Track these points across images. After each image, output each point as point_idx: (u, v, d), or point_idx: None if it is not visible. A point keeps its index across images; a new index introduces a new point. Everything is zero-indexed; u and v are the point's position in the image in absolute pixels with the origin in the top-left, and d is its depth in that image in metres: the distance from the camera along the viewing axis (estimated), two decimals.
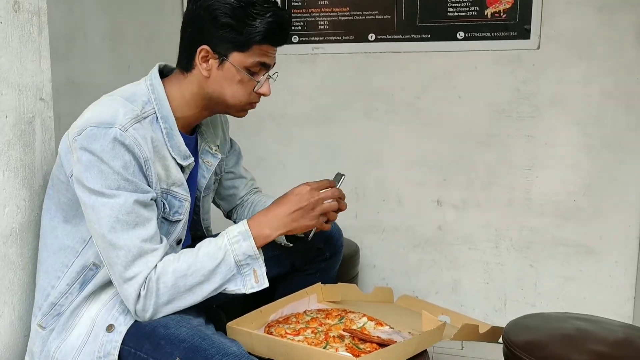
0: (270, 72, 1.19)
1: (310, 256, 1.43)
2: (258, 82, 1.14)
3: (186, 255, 1.08)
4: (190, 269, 1.06)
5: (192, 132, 1.24)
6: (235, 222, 1.44)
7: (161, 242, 1.09)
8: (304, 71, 2.16)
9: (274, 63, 1.17)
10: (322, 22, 2.14)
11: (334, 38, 2.13)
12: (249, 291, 1.09)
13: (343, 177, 1.25)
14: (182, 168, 1.17)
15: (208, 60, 1.12)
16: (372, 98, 2.12)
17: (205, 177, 1.29)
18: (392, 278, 2.17)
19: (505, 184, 2.03)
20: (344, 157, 2.15)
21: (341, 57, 2.13)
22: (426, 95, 2.07)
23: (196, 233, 1.40)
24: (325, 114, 2.17)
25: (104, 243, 1.04)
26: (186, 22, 1.15)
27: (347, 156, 2.14)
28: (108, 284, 1.12)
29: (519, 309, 2.03)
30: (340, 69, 2.14)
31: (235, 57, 1.11)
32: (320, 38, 2.15)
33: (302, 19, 2.16)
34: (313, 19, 2.15)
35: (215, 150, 1.30)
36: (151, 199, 1.08)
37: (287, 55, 2.15)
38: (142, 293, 1.04)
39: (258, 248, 1.11)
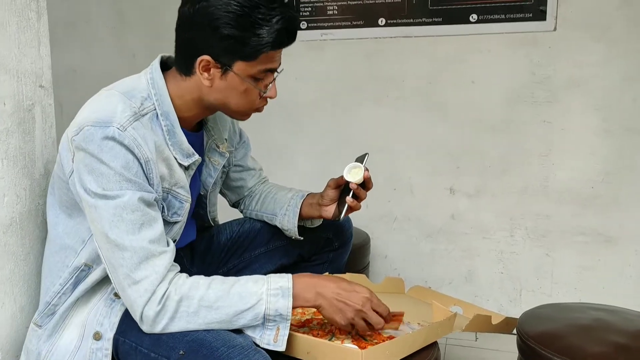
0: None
1: (318, 246, 1.41)
2: (265, 88, 1.08)
3: (217, 285, 1.00)
4: (217, 302, 0.98)
5: (197, 129, 1.19)
6: (242, 212, 1.44)
7: (168, 245, 1.03)
8: (312, 58, 2.11)
9: (280, 63, 1.09)
10: (331, 8, 2.09)
11: (343, 23, 2.08)
12: (262, 345, 0.99)
13: (367, 155, 1.23)
14: (185, 167, 1.11)
15: (210, 70, 1.04)
16: (382, 84, 2.07)
17: (212, 176, 1.25)
18: (404, 268, 2.13)
19: (520, 171, 1.97)
20: (354, 145, 2.10)
21: (351, 43, 2.08)
22: (438, 81, 2.01)
23: (203, 225, 1.38)
24: (335, 102, 2.12)
25: (107, 244, 0.98)
26: (183, 25, 1.05)
27: (357, 144, 2.09)
28: (101, 285, 1.08)
29: (535, 299, 1.97)
30: (349, 55, 2.09)
31: (240, 67, 1.03)
32: (329, 24, 2.10)
33: (311, 5, 2.11)
34: (322, 4, 2.10)
35: (223, 149, 1.25)
36: (154, 199, 1.02)
37: (295, 41, 2.09)
38: (157, 308, 0.96)
39: (293, 309, 1.01)
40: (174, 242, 1.14)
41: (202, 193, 1.27)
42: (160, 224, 1.01)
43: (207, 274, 1.31)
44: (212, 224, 1.39)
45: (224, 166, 1.32)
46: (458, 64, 1.98)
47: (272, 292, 1.00)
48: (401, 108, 2.06)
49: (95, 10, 1.81)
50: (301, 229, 1.33)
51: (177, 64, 1.09)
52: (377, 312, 1.04)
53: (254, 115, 2.22)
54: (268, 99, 1.11)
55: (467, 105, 1.99)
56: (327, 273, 1.39)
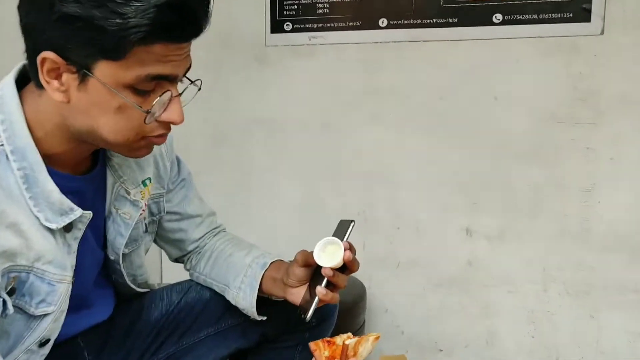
0: (180, 85, 0.76)
1: (288, 323, 1.07)
2: (152, 108, 0.72)
3: None
4: None
5: (90, 168, 0.85)
6: (187, 272, 1.12)
7: None
8: (299, 66, 1.86)
9: (188, 67, 0.75)
10: (321, 5, 1.81)
11: (336, 25, 1.81)
12: None
13: (352, 223, 0.90)
14: (62, 228, 0.77)
15: (60, 75, 0.70)
16: (383, 99, 1.82)
17: (122, 235, 0.91)
18: (409, 326, 1.84)
19: (556, 210, 1.70)
20: (349, 173, 1.86)
21: (345, 49, 1.82)
22: (452, 96, 1.76)
23: (127, 293, 1.03)
24: (326, 120, 1.88)
25: None
26: (20, 3, 0.71)
27: (353, 172, 1.86)
28: None
29: None
30: (343, 63, 1.84)
31: (105, 69, 0.68)
32: (319, 25, 1.83)
33: (297, 2, 1.82)
34: (310, 1, 1.81)
35: (139, 195, 0.91)
36: None
37: (278, 47, 1.86)
38: None
39: None
40: (45, 343, 0.79)
41: (112, 258, 0.93)
42: None
43: None
44: (146, 288, 1.06)
45: (152, 212, 0.99)
46: (477, 75, 1.73)
47: None
48: (406, 129, 1.81)
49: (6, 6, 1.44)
50: (263, 300, 1.01)
51: (29, 69, 0.73)
52: None
53: (228, 135, 2.00)
54: (170, 124, 0.77)
55: (488, 127, 1.74)
56: None
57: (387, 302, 1.86)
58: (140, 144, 0.76)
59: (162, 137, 0.78)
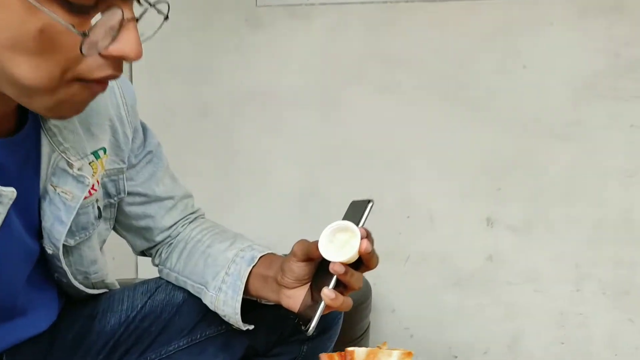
0: (138, 9, 0.56)
1: (282, 333, 0.94)
2: (91, 30, 0.52)
3: None
4: None
5: (15, 130, 0.68)
6: (157, 268, 0.96)
7: None
8: (295, 30, 1.77)
9: None
10: None
11: None
12: None
13: (370, 204, 0.74)
14: None
15: None
16: (392, 68, 1.73)
17: (62, 222, 0.73)
18: (420, 329, 1.77)
19: (592, 197, 1.63)
20: (352, 153, 1.76)
21: (348, 9, 1.73)
22: (473, 65, 1.68)
23: (77, 295, 0.86)
24: (326, 92, 1.79)
25: None
26: None
27: (357, 152, 1.76)
28: None
29: None
30: (347, 26, 1.75)
31: None
32: None
33: None
34: None
35: (88, 168, 0.74)
36: None
37: (271, 7, 1.75)
38: None
39: None
40: None
41: (50, 251, 0.75)
42: None
43: None
44: (103, 288, 0.89)
45: (109, 194, 0.83)
46: (503, 40, 1.65)
47: None
48: (419, 102, 1.72)
49: None
50: (250, 303, 0.86)
51: None
52: None
53: (215, 108, 1.97)
54: (121, 61, 0.56)
55: (515, 100, 1.66)
56: None
57: (394, 301, 1.79)
58: (70, 91, 0.54)
59: (105, 83, 0.57)
